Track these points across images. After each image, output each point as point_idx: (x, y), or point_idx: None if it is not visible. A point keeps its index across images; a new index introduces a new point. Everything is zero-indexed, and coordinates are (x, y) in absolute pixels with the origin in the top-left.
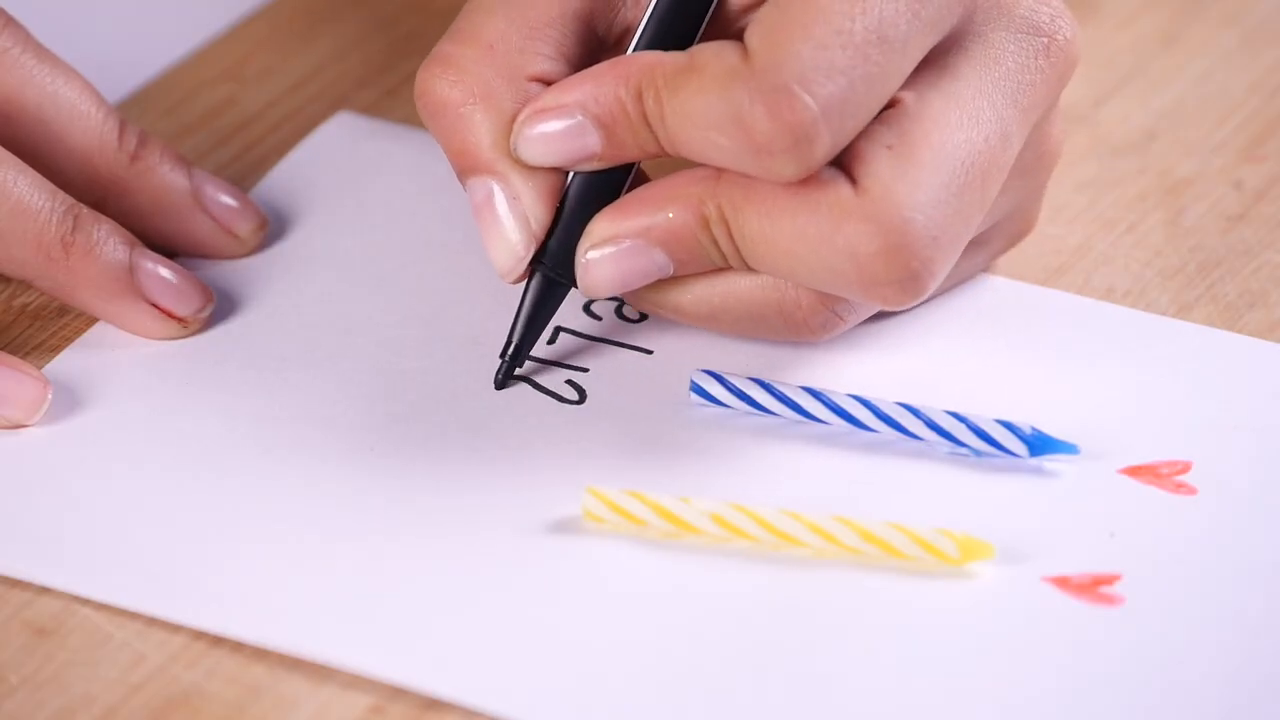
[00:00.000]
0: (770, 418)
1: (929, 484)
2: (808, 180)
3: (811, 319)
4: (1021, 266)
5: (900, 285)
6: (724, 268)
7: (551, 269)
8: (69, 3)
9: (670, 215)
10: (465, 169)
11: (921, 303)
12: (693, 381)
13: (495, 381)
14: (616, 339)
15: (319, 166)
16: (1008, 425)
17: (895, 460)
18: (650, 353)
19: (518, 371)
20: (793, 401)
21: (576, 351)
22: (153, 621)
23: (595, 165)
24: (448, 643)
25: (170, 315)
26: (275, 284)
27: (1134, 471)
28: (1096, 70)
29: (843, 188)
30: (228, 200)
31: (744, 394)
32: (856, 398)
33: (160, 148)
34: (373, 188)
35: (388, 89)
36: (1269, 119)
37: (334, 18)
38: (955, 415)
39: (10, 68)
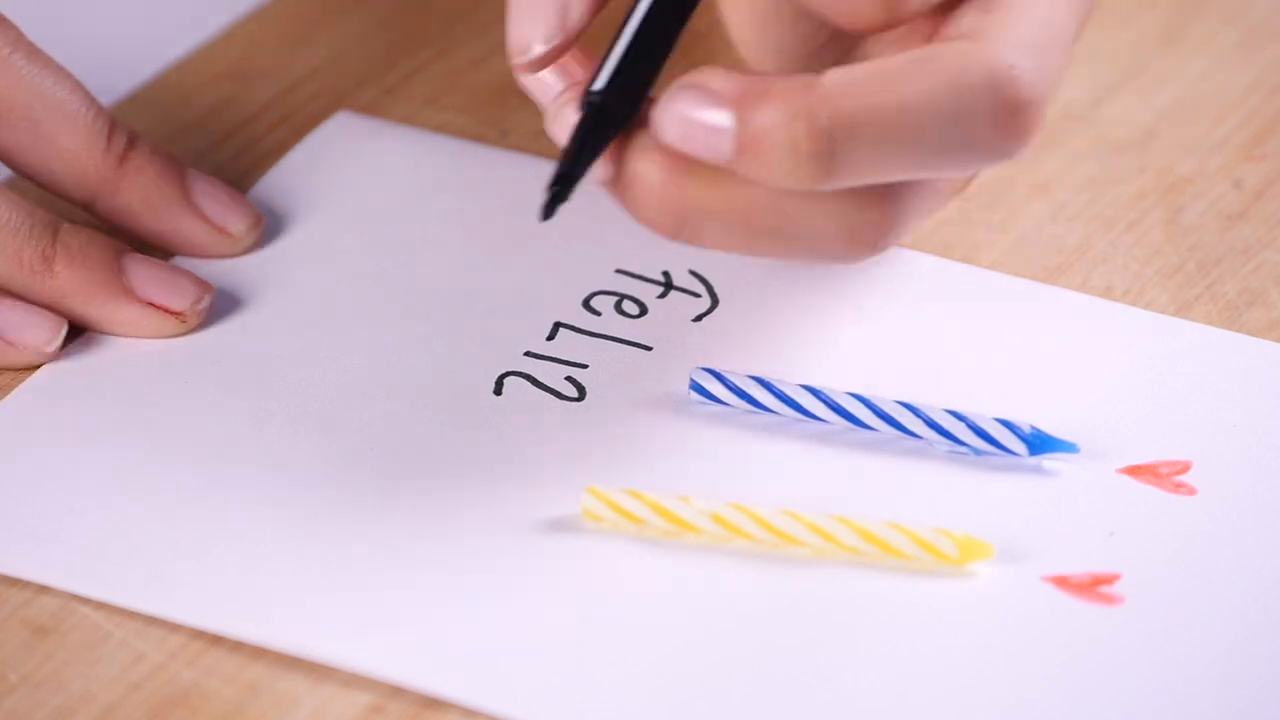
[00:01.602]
0: (770, 416)
1: (928, 483)
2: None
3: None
4: (1021, 265)
5: (1009, 122)
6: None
7: (605, 96)
8: (69, 2)
9: (767, 108)
10: None
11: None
12: (692, 380)
13: (541, 212)
14: (616, 335)
15: (319, 166)
16: (1007, 424)
17: (894, 459)
18: (649, 349)
19: (517, 369)
20: (792, 400)
21: (576, 348)
22: (152, 620)
23: None
24: (448, 642)
25: (167, 311)
26: (274, 283)
27: (1133, 471)
28: (1096, 69)
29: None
30: (220, 198)
31: (743, 392)
32: (856, 396)
33: (150, 148)
34: (372, 187)
35: (388, 89)
36: (1268, 117)
37: (334, 18)
38: (954, 414)
39: (0, 67)
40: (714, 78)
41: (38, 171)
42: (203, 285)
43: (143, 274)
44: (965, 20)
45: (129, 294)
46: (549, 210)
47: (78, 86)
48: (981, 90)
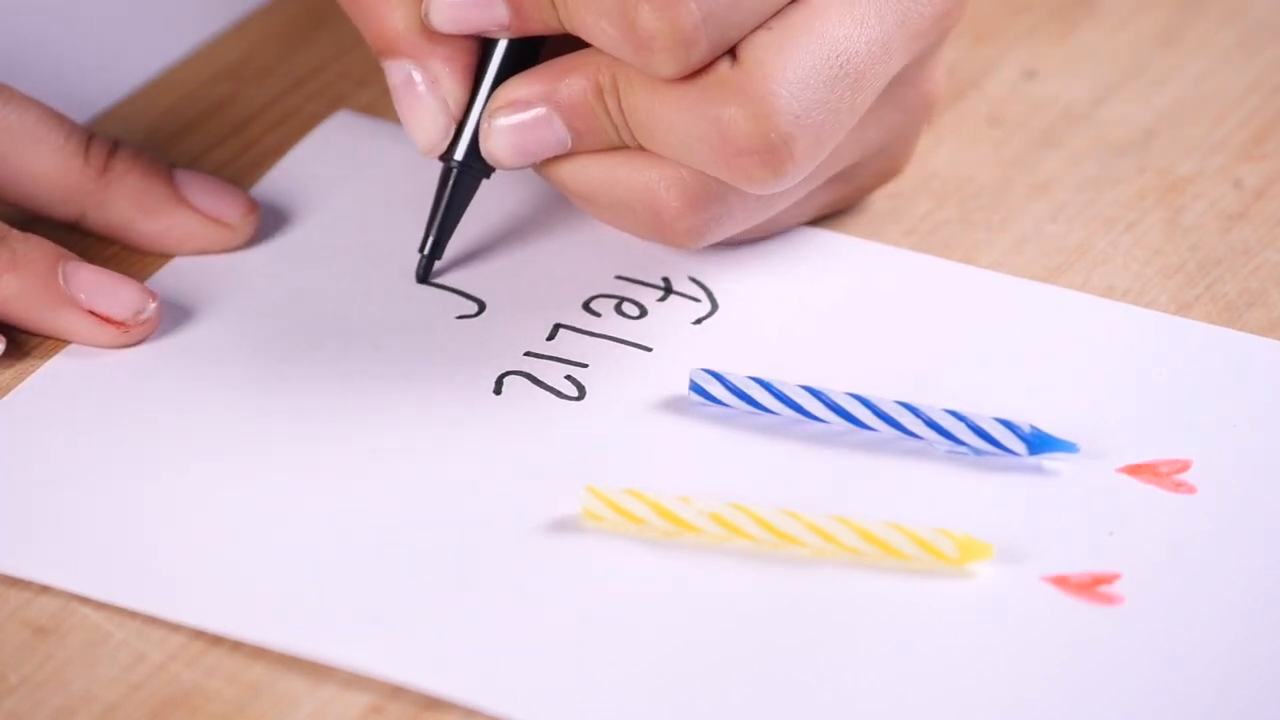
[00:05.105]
0: (769, 416)
1: (928, 482)
2: None
3: (678, 223)
4: (1021, 265)
5: (760, 159)
6: (619, 146)
7: (463, 161)
8: (70, 3)
9: (569, 82)
10: (383, 51)
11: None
12: (692, 381)
13: (416, 275)
14: (615, 335)
15: (319, 165)
16: (1007, 423)
17: (894, 459)
18: (649, 350)
19: (517, 368)
20: (792, 400)
21: (576, 347)
22: (152, 620)
23: (504, 35)
24: (448, 642)
25: (107, 320)
26: (274, 282)
27: (1133, 470)
28: (1096, 69)
29: (723, 63)
30: (211, 190)
31: (743, 393)
32: (856, 396)
33: (132, 153)
34: (372, 186)
35: (387, 89)
36: (1268, 117)
37: (334, 18)
38: (954, 413)
39: None
40: None
41: (20, 200)
42: (146, 293)
43: (83, 280)
44: (751, 39)
45: (69, 301)
46: (426, 272)
47: (45, 113)
48: (732, 126)
